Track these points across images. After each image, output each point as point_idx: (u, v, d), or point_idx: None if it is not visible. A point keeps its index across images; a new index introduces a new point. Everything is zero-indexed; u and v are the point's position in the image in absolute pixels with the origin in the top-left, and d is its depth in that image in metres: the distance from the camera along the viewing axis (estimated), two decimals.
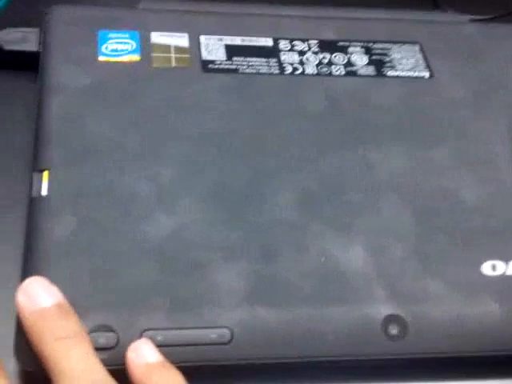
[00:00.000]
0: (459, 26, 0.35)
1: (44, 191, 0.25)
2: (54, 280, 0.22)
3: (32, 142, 0.28)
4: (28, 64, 0.32)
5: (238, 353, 0.23)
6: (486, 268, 0.26)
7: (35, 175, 0.26)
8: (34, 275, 0.22)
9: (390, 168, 0.28)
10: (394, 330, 0.24)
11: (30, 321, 0.21)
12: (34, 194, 0.25)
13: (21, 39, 0.32)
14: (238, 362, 0.23)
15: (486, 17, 0.37)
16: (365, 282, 0.25)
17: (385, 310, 0.24)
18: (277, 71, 0.31)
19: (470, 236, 0.27)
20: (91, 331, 0.22)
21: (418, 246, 0.26)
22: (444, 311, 0.25)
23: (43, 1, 0.34)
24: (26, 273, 0.23)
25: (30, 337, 0.21)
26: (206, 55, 0.31)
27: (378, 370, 0.24)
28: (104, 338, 0.22)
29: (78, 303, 0.22)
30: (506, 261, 0.26)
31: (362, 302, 0.24)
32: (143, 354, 0.21)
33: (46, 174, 0.26)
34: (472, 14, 0.38)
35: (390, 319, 0.24)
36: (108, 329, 0.22)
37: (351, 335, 0.24)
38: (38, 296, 0.21)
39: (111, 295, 0.23)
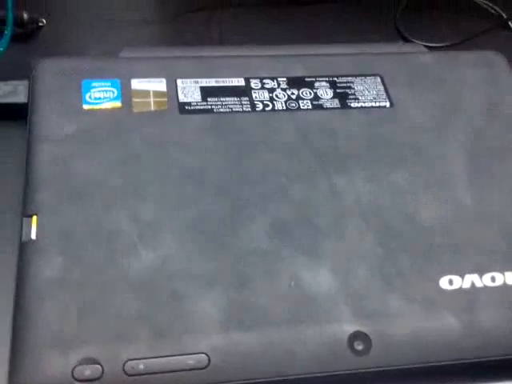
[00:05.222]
0: (417, 56, 0.37)
1: (33, 235, 0.27)
2: (43, 317, 0.24)
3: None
4: (19, 114, 0.33)
5: (216, 376, 0.24)
6: (444, 283, 0.28)
7: (25, 220, 0.27)
8: (25, 313, 0.24)
9: (355, 193, 0.30)
10: (359, 346, 0.25)
11: None
12: (24, 238, 0.27)
13: (11, 92, 0.34)
14: None
15: (443, 44, 0.39)
16: (331, 303, 0.26)
17: (350, 328, 0.26)
18: (248, 109, 0.34)
19: (429, 254, 0.29)
20: (77, 364, 0.24)
21: (381, 266, 0.28)
22: (405, 326, 0.26)
23: (32, 53, 0.37)
24: (17, 311, 0.25)
25: None
26: (182, 98, 0.34)
27: None
28: (89, 370, 0.23)
29: (66, 338, 0.24)
30: (462, 275, 0.28)
31: (329, 322, 0.26)
32: None
33: (34, 218, 0.27)
34: (435, 43, 0.40)
35: (355, 336, 0.26)
36: (93, 361, 0.24)
37: (320, 353, 0.25)
38: None
39: (96, 329, 0.25)
